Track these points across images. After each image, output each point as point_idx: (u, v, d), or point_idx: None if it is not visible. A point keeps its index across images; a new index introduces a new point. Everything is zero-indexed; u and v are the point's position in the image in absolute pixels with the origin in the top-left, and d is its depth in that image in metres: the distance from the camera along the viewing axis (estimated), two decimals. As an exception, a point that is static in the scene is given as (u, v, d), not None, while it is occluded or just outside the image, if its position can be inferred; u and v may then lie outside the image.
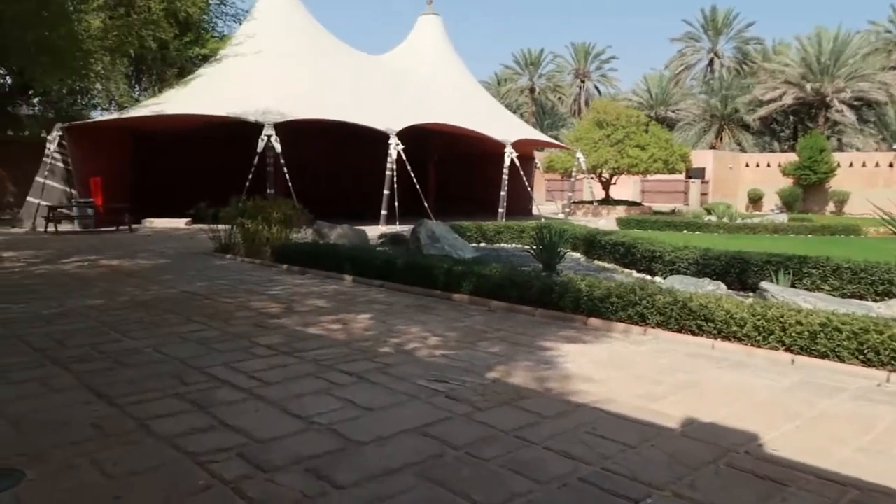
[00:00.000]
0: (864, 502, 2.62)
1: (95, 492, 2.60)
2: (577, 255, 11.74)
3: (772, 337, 4.80)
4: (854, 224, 18.57)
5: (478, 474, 2.79)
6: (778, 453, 3.05)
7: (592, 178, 29.50)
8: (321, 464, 2.85)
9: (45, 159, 17.45)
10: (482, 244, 13.65)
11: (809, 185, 33.82)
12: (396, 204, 17.78)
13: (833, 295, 7.36)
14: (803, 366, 4.51)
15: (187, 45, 21.43)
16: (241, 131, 17.67)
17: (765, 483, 2.76)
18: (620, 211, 27.48)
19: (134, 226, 17.14)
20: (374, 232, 13.86)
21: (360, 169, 22.77)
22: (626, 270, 9.82)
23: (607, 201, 30.02)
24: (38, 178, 17.56)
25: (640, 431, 3.29)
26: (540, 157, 30.25)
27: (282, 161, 16.88)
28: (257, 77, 19.38)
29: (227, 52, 21.16)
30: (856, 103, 42.02)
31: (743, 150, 47.36)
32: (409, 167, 18.04)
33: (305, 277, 8.67)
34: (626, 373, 4.34)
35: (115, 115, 20.13)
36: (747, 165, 38.47)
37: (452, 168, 25.53)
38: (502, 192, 20.93)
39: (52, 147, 17.35)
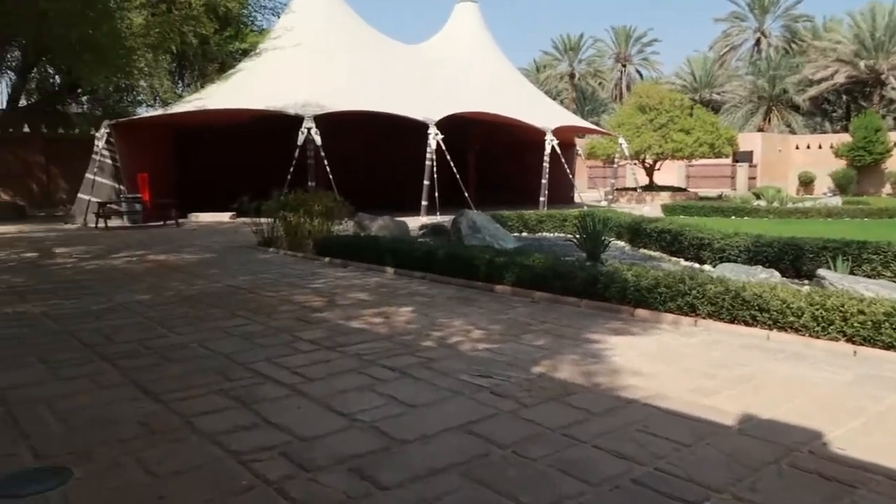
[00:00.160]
0: (942, 508, 2.45)
1: (140, 492, 2.60)
2: (621, 243, 11.50)
3: (832, 327, 4.58)
4: (913, 206, 17.79)
5: (525, 475, 2.70)
6: (844, 452, 2.88)
7: (635, 164, 28.94)
8: (364, 463, 2.80)
9: (93, 156, 17.89)
10: (524, 234, 13.49)
11: (864, 167, 32.61)
12: (437, 194, 17.72)
13: None
14: (867, 358, 4.29)
15: (227, 39, 21.70)
16: (281, 124, 17.83)
17: (831, 485, 2.60)
18: (665, 197, 26.91)
19: (180, 220, 17.46)
20: (414, 223, 13.82)
21: (400, 160, 22.76)
22: (673, 259, 9.57)
23: (651, 188, 29.44)
24: (88, 175, 18.02)
25: (694, 429, 3.15)
26: (581, 144, 29.81)
27: (322, 153, 16.96)
28: (296, 70, 19.51)
29: (267, 45, 21.36)
30: (913, 80, 40.29)
31: (792, 131, 45.93)
32: (448, 157, 17.94)
33: (347, 270, 8.67)
34: (676, 366, 4.19)
35: (159, 112, 20.52)
36: (797, 148, 37.29)
37: (493, 157, 25.35)
38: (543, 181, 20.67)
39: (100, 144, 17.77)
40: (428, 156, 17.99)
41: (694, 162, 31.92)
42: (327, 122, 17.65)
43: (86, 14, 12.33)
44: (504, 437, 3.07)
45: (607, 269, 6.22)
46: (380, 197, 21.16)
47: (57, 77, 21.57)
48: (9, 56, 20.41)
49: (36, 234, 15.02)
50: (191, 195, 19.83)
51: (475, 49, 25.15)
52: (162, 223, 17.09)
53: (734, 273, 6.77)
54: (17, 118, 22.10)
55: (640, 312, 5.59)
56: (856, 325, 4.46)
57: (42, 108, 22.48)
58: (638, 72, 62.75)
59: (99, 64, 14.36)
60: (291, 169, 16.46)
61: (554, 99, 42.64)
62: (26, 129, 23.82)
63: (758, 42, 53.05)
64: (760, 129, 46.17)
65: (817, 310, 4.66)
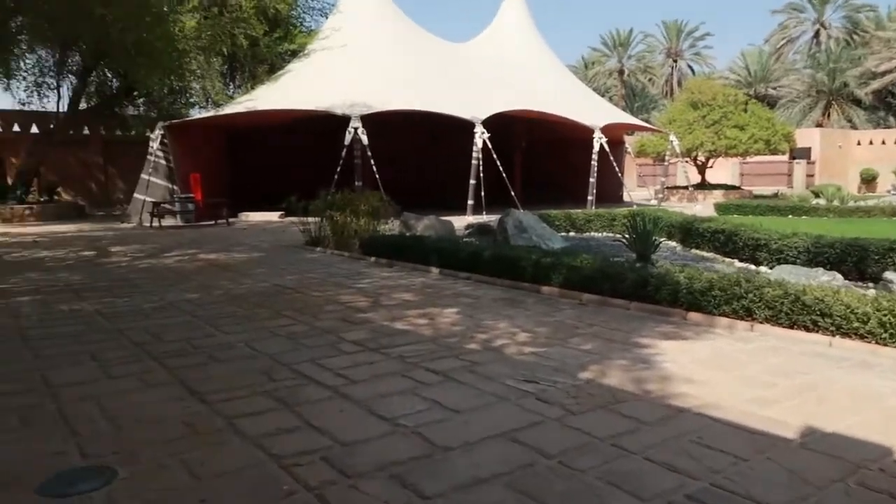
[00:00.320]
0: None
1: (182, 494, 2.59)
2: (672, 243, 11.20)
3: (901, 335, 4.32)
4: None
5: (572, 487, 2.59)
6: (918, 472, 2.69)
7: (687, 161, 28.25)
8: (406, 470, 2.74)
9: (148, 157, 18.38)
10: (571, 233, 13.28)
11: (931, 163, 31.11)
12: (483, 193, 17.61)
13: (968, 285, 6.62)
14: (940, 368, 4.03)
15: (277, 41, 22.02)
16: (329, 124, 17.99)
17: (904, 507, 2.42)
18: (718, 195, 26.22)
19: (231, 220, 17.78)
20: (460, 222, 13.76)
21: (447, 158, 22.71)
22: (727, 260, 9.26)
23: (703, 186, 28.73)
24: (143, 176, 18.52)
25: (752, 442, 2.99)
26: (630, 142, 29.29)
27: (368, 153, 17.04)
28: (344, 70, 19.66)
29: (315, 46, 21.58)
30: None
31: (854, 126, 44.19)
32: (494, 156, 17.81)
33: (392, 270, 8.65)
34: (732, 374, 4.00)
35: (211, 113, 20.94)
36: (859, 143, 35.86)
37: (539, 155, 25.09)
38: (591, 179, 20.35)
39: (154, 145, 18.23)
40: (474, 154, 17.89)
41: (748, 159, 31.02)
42: (374, 121, 17.73)
43: (141, 18, 12.70)
44: (550, 446, 2.97)
45: (658, 271, 6.03)
46: (426, 196, 21.16)
47: (114, 80, 22.25)
48: (70, 61, 21.13)
49: (94, 232, 15.50)
50: (241, 195, 20.19)
51: (522, 46, 24.93)
52: (213, 222, 17.43)
53: (793, 275, 6.50)
54: (77, 121, 22.89)
55: (693, 316, 5.39)
56: (927, 332, 4.20)
57: (101, 111, 23.23)
58: (690, 67, 61.37)
59: (152, 66, 14.78)
60: (338, 168, 16.58)
61: (602, 96, 42.01)
62: (86, 132, 24.65)
63: (817, 34, 51.26)
64: (819, 125, 44.59)
65: (885, 315, 4.41)
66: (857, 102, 45.74)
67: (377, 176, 16.47)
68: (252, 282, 7.85)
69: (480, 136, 17.87)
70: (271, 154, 21.70)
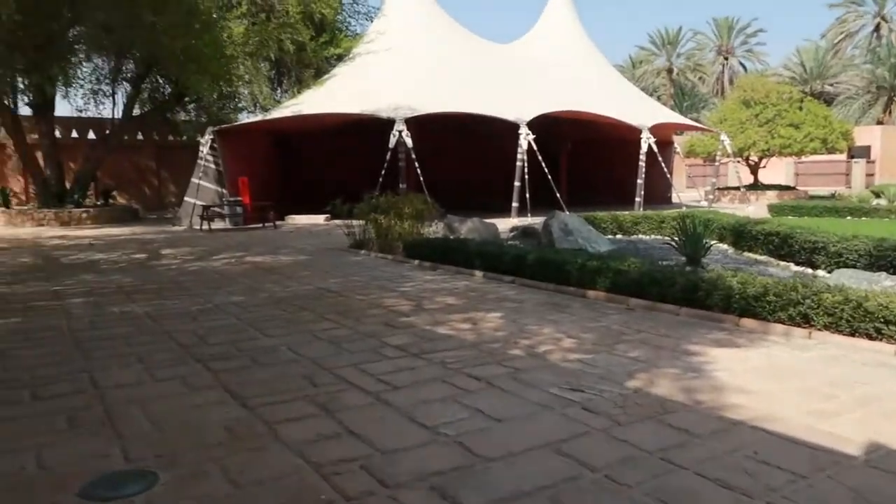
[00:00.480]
0: None
1: (221, 501, 2.57)
2: (724, 246, 10.87)
3: (974, 345, 4.06)
4: None
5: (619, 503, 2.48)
6: None
7: (739, 161, 27.46)
8: (446, 481, 2.67)
9: (198, 161, 18.77)
10: (618, 236, 13.03)
11: None
12: (528, 195, 17.43)
13: None
14: None
15: (323, 45, 22.26)
16: (374, 127, 18.07)
17: (983, 534, 2.24)
18: (771, 196, 25.42)
19: (277, 223, 18.02)
20: (505, 225, 13.64)
21: (491, 160, 22.60)
22: (782, 263, 8.93)
23: (756, 186, 27.90)
24: (194, 180, 18.93)
25: (812, 458, 2.83)
26: (679, 142, 28.63)
27: (413, 155, 17.06)
28: (389, 73, 19.74)
29: (360, 50, 21.75)
30: None
31: (916, 123, 42.36)
32: (539, 157, 17.62)
33: (436, 273, 8.61)
34: (789, 384, 3.82)
35: (258, 118, 21.30)
36: (922, 141, 34.32)
37: (586, 156, 24.75)
38: (639, 180, 19.94)
39: (204, 150, 18.62)
40: (519, 156, 17.74)
41: (803, 158, 30.02)
42: (419, 123, 17.74)
43: (190, 25, 13.01)
44: (596, 458, 2.86)
45: (709, 275, 5.83)
46: (470, 198, 21.10)
47: (167, 87, 22.86)
48: (125, 68, 21.79)
49: (146, 235, 15.90)
50: (288, 198, 20.46)
51: (568, 46, 24.63)
52: (261, 225, 17.69)
53: (854, 280, 6.21)
54: (131, 127, 23.57)
55: (747, 322, 5.19)
56: None
57: (154, 117, 23.90)
58: (741, 64, 59.82)
59: (200, 72, 15.13)
60: (383, 171, 16.65)
61: (651, 95, 41.26)
62: (140, 137, 25.39)
63: (877, 28, 49.39)
64: (880, 122, 42.91)
65: (956, 324, 4.15)
66: (921, 98, 43.90)
67: (421, 178, 16.47)
68: (296, 285, 7.90)
69: (525, 138, 17.71)
70: (317, 157, 21.94)
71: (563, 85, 21.51)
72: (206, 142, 18.62)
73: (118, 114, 22.25)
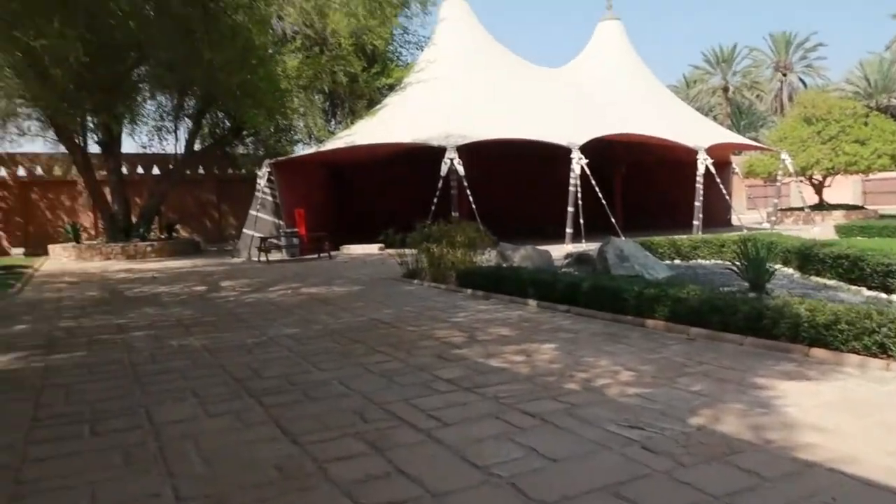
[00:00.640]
0: None
1: (269, 545, 2.52)
2: (789, 270, 10.42)
3: None
4: None
5: (684, 555, 2.32)
6: None
7: (801, 181, 26.55)
8: (499, 527, 2.56)
9: (256, 194, 19.26)
10: (676, 261, 12.66)
11: None
12: (581, 221, 17.20)
13: None
14: None
15: (374, 76, 22.68)
16: (425, 156, 18.22)
17: None
18: (838, 216, 24.41)
19: (333, 253, 18.27)
20: (558, 251, 13.46)
21: (544, 186, 22.50)
22: (853, 288, 8.48)
23: (821, 206, 26.89)
24: (252, 212, 19.41)
25: (897, 506, 2.61)
26: (738, 162, 27.91)
27: (465, 183, 17.09)
28: (439, 101, 19.94)
29: (411, 79, 22.07)
30: None
31: None
32: (593, 181, 17.40)
33: (489, 303, 8.51)
34: (868, 421, 3.56)
35: (313, 149, 21.77)
36: None
37: (640, 180, 24.36)
38: (697, 203, 19.44)
39: (262, 182, 19.10)
40: (572, 181, 17.56)
41: (871, 176, 28.82)
42: (470, 151, 17.80)
43: (246, 61, 13.47)
44: (658, 502, 2.70)
45: (775, 302, 5.56)
46: (523, 224, 21.02)
47: (225, 121, 23.65)
48: (186, 105, 22.67)
49: (207, 267, 16.32)
50: (342, 228, 20.76)
51: (619, 68, 24.42)
52: (317, 256, 17.97)
53: (934, 306, 5.82)
54: (193, 161, 24.44)
55: (817, 353, 4.90)
56: None
57: (214, 151, 24.73)
58: (801, 80, 58.12)
59: (256, 106, 15.63)
60: (435, 199, 16.72)
61: (706, 115, 40.46)
62: (201, 171, 26.28)
63: (946, 38, 47.33)
64: (953, 136, 40.84)
65: None
66: None
67: (473, 206, 16.46)
68: (350, 316, 7.92)
69: (578, 162, 17.54)
70: (370, 187, 22.25)
71: (616, 108, 21.30)
72: (263, 174, 19.10)
73: (180, 149, 23.12)
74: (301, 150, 22.91)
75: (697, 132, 21.30)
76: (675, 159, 21.20)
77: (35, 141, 22.51)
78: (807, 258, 10.05)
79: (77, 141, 20.85)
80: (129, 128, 22.19)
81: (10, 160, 23.72)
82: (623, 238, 11.48)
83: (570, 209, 17.49)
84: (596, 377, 4.64)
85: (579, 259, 10.94)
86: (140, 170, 25.47)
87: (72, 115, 18.50)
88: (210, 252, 22.43)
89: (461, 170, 17.20)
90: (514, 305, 8.11)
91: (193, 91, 20.19)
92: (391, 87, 23.06)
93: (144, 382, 5.09)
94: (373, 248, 18.90)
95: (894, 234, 15.60)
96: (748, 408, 3.83)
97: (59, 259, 20.33)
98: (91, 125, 21.01)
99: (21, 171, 24.38)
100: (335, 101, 24.97)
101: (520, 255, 11.18)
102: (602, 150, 19.15)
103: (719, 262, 12.12)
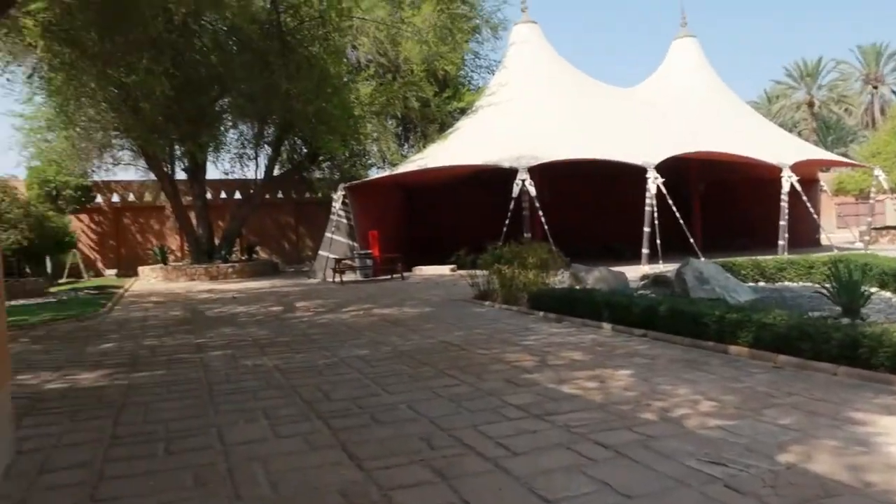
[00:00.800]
0: None
1: (330, 577, 2.47)
2: (886, 294, 9.73)
3: None
4: None
5: None
6: None
7: (897, 197, 25.01)
8: (569, 568, 2.41)
9: (331, 216, 19.68)
10: (760, 283, 12.06)
11: None
12: (658, 241, 16.70)
13: None
14: None
15: (446, 100, 22.89)
16: (497, 177, 18.19)
17: None
18: (939, 235, 22.82)
19: (405, 274, 18.38)
20: (634, 273, 13.08)
21: (619, 206, 22.02)
22: (961, 312, 7.82)
23: (920, 224, 25.20)
24: (327, 234, 19.83)
25: None
26: (826, 179, 26.55)
27: (536, 204, 16.92)
28: (511, 123, 19.90)
29: (482, 102, 22.15)
30: None
31: None
32: (670, 201, 16.89)
33: (561, 326, 8.31)
34: (984, 463, 3.21)
35: (386, 173, 22.09)
36: None
37: (720, 199, 23.51)
38: (782, 222, 18.57)
39: (336, 205, 19.51)
40: (647, 201, 17.10)
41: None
42: (542, 171, 17.64)
43: (322, 90, 13.87)
44: (744, 549, 2.49)
45: (872, 329, 5.16)
46: (597, 245, 20.61)
47: (303, 147, 24.39)
48: (266, 132, 23.52)
49: (283, 288, 16.73)
50: (415, 249, 20.91)
51: (694, 85, 23.77)
52: (389, 277, 18.13)
53: None
54: (272, 186, 25.31)
55: (922, 385, 4.50)
56: None
57: (291, 176, 25.57)
58: (894, 93, 55.02)
59: (331, 133, 16.05)
60: (507, 221, 16.61)
61: (790, 131, 38.81)
62: (280, 195, 27.16)
63: None
64: None
65: None
66: None
67: (546, 227, 16.25)
68: (419, 338, 7.89)
69: (654, 182, 17.09)
70: (443, 209, 22.37)
71: (692, 125, 20.68)
72: (338, 197, 19.50)
73: (260, 174, 23.97)
74: (375, 174, 23.31)
75: (781, 148, 20.41)
76: (758, 177, 20.35)
77: (128, 169, 23.93)
78: (906, 281, 9.36)
79: (165, 169, 21.98)
80: (212, 155, 23.22)
81: (105, 187, 25.18)
82: (703, 259, 11.05)
83: (647, 229, 17.02)
84: (674, 407, 4.40)
85: (656, 281, 10.58)
86: (223, 195, 26.55)
87: (160, 144, 19.51)
88: (288, 273, 23.02)
89: (533, 190, 17.06)
90: (588, 329, 7.88)
91: (272, 120, 20.93)
92: (462, 111, 23.21)
93: (218, 402, 5.18)
94: (444, 270, 18.91)
95: None
96: (844, 445, 3.53)
97: (148, 280, 21.33)
98: (178, 154, 22.11)
99: (115, 198, 25.85)
100: (408, 126, 25.33)
101: (594, 277, 10.91)
102: (679, 169, 18.61)
103: (808, 284, 11.46)
